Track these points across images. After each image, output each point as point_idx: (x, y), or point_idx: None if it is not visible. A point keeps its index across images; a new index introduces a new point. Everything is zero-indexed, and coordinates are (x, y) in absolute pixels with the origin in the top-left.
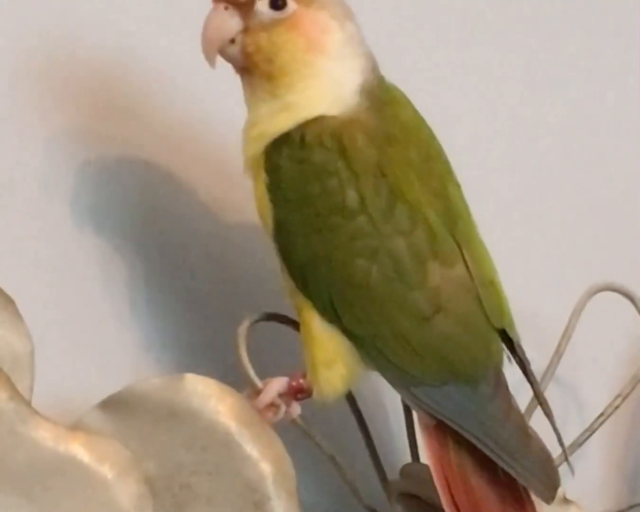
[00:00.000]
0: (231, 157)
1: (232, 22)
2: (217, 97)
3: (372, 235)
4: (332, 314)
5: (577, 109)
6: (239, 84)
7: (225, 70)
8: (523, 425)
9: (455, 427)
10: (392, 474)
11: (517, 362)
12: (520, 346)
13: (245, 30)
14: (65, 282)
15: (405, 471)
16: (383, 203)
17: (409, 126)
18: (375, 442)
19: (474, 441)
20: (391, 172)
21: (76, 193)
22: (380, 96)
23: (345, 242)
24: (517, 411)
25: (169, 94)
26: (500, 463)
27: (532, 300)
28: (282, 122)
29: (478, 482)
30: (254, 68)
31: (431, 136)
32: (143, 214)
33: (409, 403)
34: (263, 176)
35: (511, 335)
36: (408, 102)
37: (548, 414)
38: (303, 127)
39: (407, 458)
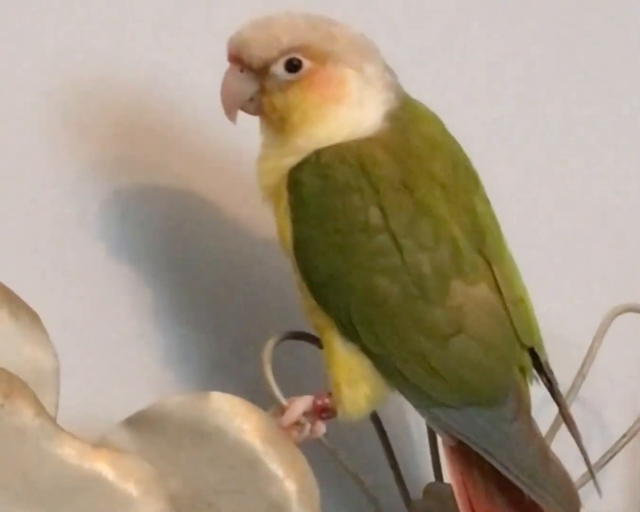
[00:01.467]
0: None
1: (248, 86)
2: (244, 123)
3: (393, 253)
4: (352, 332)
5: (606, 124)
6: None
7: None
8: (544, 448)
9: (475, 449)
10: (416, 494)
11: (544, 382)
12: (548, 366)
13: (262, 90)
14: (88, 299)
15: (428, 490)
16: (406, 218)
17: (433, 141)
18: (399, 461)
19: (494, 463)
20: (415, 186)
21: (103, 212)
22: (403, 116)
23: (366, 260)
24: (538, 433)
25: (196, 123)
26: (521, 486)
27: (556, 321)
28: (294, 157)
29: (501, 503)
30: (269, 122)
31: (458, 151)
32: (167, 231)
33: (428, 423)
34: (285, 195)
35: (539, 354)
36: (435, 118)
37: (575, 435)
38: (321, 151)
39: (431, 477)
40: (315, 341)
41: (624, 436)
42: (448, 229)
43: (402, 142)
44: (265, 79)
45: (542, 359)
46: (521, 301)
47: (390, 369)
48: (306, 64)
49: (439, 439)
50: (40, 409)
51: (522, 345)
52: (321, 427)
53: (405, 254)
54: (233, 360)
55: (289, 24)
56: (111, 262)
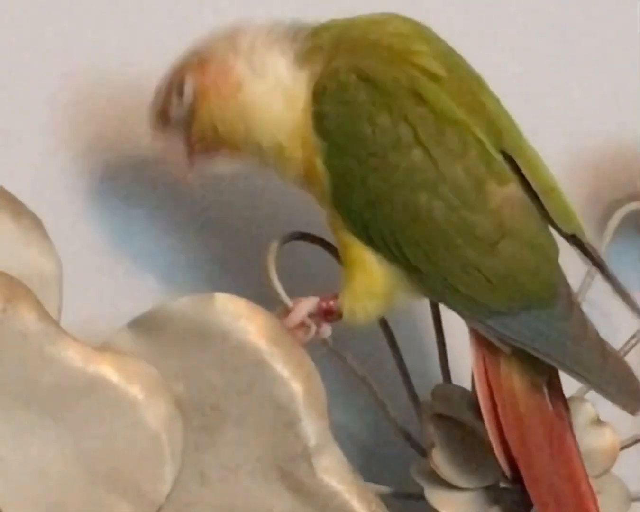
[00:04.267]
0: None
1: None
2: None
3: (428, 166)
4: (398, 254)
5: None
6: None
7: None
8: (600, 341)
9: (534, 353)
10: (424, 396)
11: (592, 262)
12: (592, 247)
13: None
14: (93, 205)
15: (436, 392)
16: (431, 129)
17: (404, 38)
18: (407, 363)
19: (554, 364)
20: (423, 91)
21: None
22: (330, 38)
23: (404, 178)
24: (592, 327)
25: None
26: (582, 381)
27: None
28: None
29: (526, 406)
30: (224, 151)
31: (447, 51)
32: None
33: (484, 334)
34: (313, 141)
35: (582, 238)
36: (402, 19)
37: (630, 303)
38: (322, 80)
39: (439, 379)
40: (320, 242)
41: (633, 336)
42: (471, 131)
43: (370, 46)
44: (174, 122)
45: (585, 242)
46: (552, 190)
47: (439, 285)
48: (189, 79)
49: (448, 340)
50: (42, 313)
51: (562, 234)
52: (327, 329)
53: (440, 165)
54: (238, 261)
55: None
56: (115, 168)
